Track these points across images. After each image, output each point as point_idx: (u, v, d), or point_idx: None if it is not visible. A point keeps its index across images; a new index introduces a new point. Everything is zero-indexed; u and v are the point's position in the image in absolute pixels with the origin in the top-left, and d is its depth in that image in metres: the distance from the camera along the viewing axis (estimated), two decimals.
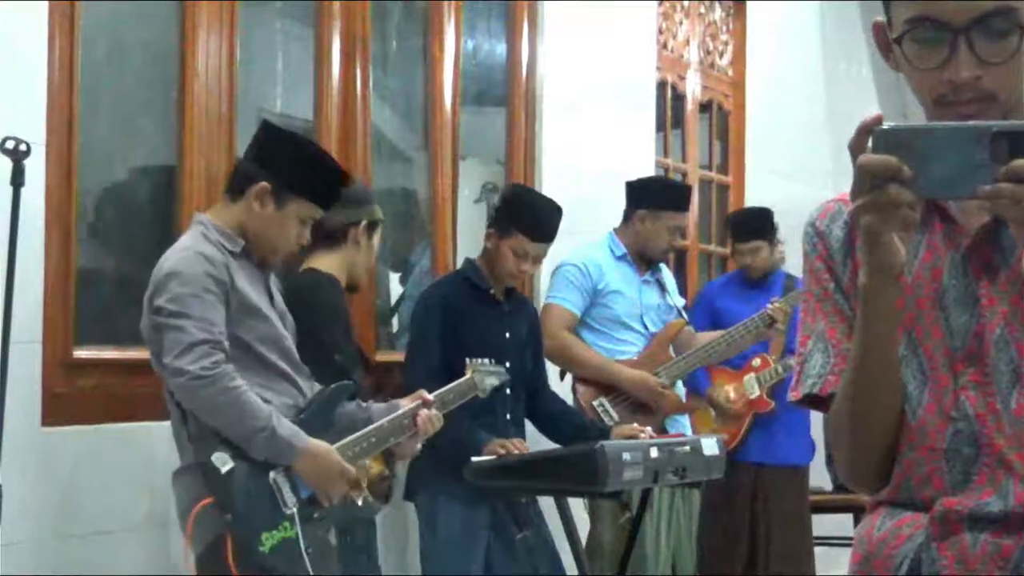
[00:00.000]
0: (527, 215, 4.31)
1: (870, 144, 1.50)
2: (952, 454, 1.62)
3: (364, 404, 3.48)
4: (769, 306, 5.08)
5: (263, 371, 3.21)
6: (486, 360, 3.85)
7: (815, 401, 1.72)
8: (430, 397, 3.53)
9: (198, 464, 3.10)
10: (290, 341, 3.32)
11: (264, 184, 3.24)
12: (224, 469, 3.05)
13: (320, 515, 3.22)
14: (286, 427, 3.13)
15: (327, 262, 3.92)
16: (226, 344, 3.10)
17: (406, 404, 3.50)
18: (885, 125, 1.49)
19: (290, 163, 3.28)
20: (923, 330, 1.64)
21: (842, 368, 1.66)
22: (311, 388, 3.36)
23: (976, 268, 1.62)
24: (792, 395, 1.74)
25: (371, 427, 3.39)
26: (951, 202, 1.63)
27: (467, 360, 3.80)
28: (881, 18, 1.68)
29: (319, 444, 3.19)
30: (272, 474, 3.13)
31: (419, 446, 3.58)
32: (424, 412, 3.48)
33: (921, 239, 1.65)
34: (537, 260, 4.42)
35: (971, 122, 1.52)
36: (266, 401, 3.14)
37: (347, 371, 3.64)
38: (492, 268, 4.34)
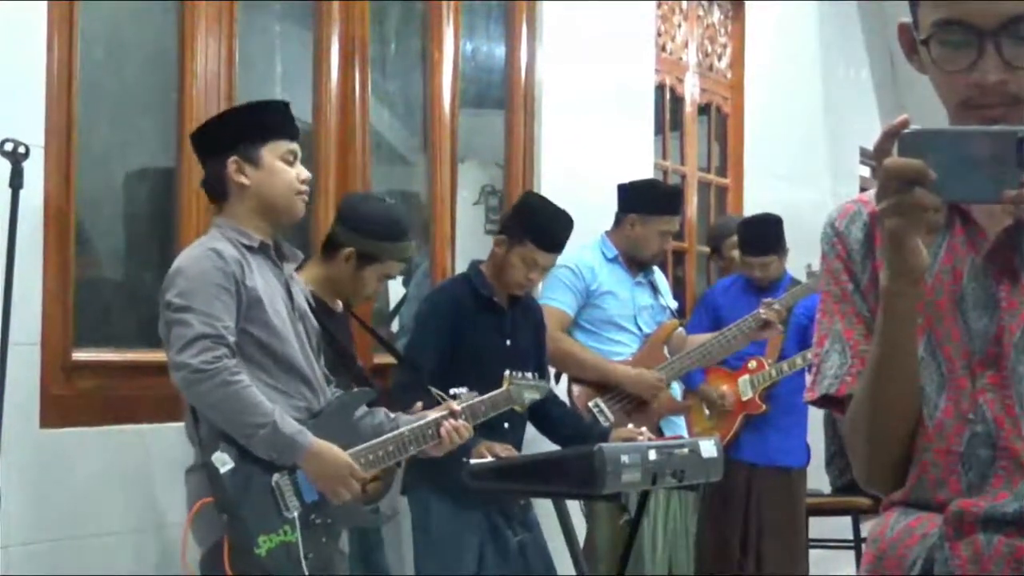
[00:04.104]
0: (539, 225, 4.27)
1: (895, 148, 1.49)
2: (969, 457, 1.61)
3: (392, 416, 3.44)
4: (762, 309, 5.08)
5: (275, 369, 3.19)
6: (528, 374, 3.80)
7: (831, 402, 1.72)
8: (457, 408, 3.48)
9: (203, 463, 3.09)
10: (306, 341, 3.30)
11: (232, 160, 3.24)
12: (223, 469, 3.04)
13: (322, 520, 3.19)
14: (290, 424, 3.10)
15: (312, 272, 3.90)
16: (231, 339, 3.08)
17: (433, 414, 3.45)
18: (911, 129, 1.49)
19: (234, 129, 3.28)
20: (942, 332, 1.64)
21: (859, 369, 1.66)
22: (328, 393, 3.34)
23: (996, 271, 1.62)
24: (808, 395, 1.74)
25: (390, 435, 3.34)
26: (974, 205, 1.63)
27: (506, 372, 3.75)
28: (906, 19, 1.68)
29: (326, 443, 3.16)
30: (275, 476, 3.11)
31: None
32: (449, 423, 3.42)
33: (942, 242, 1.65)
34: (545, 270, 4.39)
35: (997, 127, 1.52)
36: (273, 400, 3.12)
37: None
38: (498, 275, 4.30)
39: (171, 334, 3.09)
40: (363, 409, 3.40)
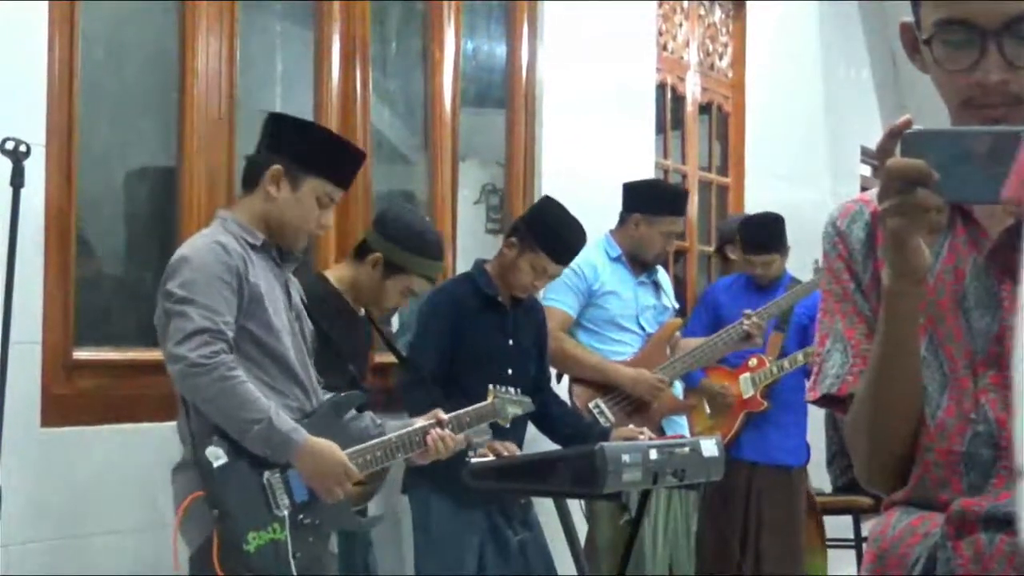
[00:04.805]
0: (555, 235, 4.27)
1: (898, 148, 1.49)
2: (971, 457, 1.61)
3: (379, 421, 3.43)
4: (745, 320, 5.08)
5: (271, 368, 3.18)
6: (511, 388, 3.80)
7: (833, 401, 1.72)
8: (445, 417, 3.47)
9: (194, 459, 3.08)
10: (301, 341, 3.30)
11: (277, 168, 3.22)
12: (216, 464, 3.03)
13: (311, 521, 3.17)
14: (285, 421, 3.09)
15: (339, 273, 3.94)
16: (230, 334, 3.07)
17: (420, 422, 3.44)
18: (914, 129, 1.49)
19: (303, 143, 3.27)
20: (944, 332, 1.64)
21: (861, 369, 1.66)
22: (320, 395, 3.34)
23: (998, 271, 1.62)
24: (810, 395, 1.74)
25: (378, 440, 3.33)
26: (975, 205, 1.63)
27: (490, 386, 3.74)
28: (908, 18, 1.68)
29: (321, 441, 3.15)
30: (267, 474, 3.10)
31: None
32: (436, 431, 3.41)
33: (944, 241, 1.64)
34: (552, 278, 4.40)
35: (999, 127, 1.52)
36: (267, 398, 3.11)
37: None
38: (504, 276, 4.29)
39: (170, 325, 3.08)
40: (351, 412, 3.39)
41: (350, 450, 3.24)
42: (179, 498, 3.14)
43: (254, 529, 3.06)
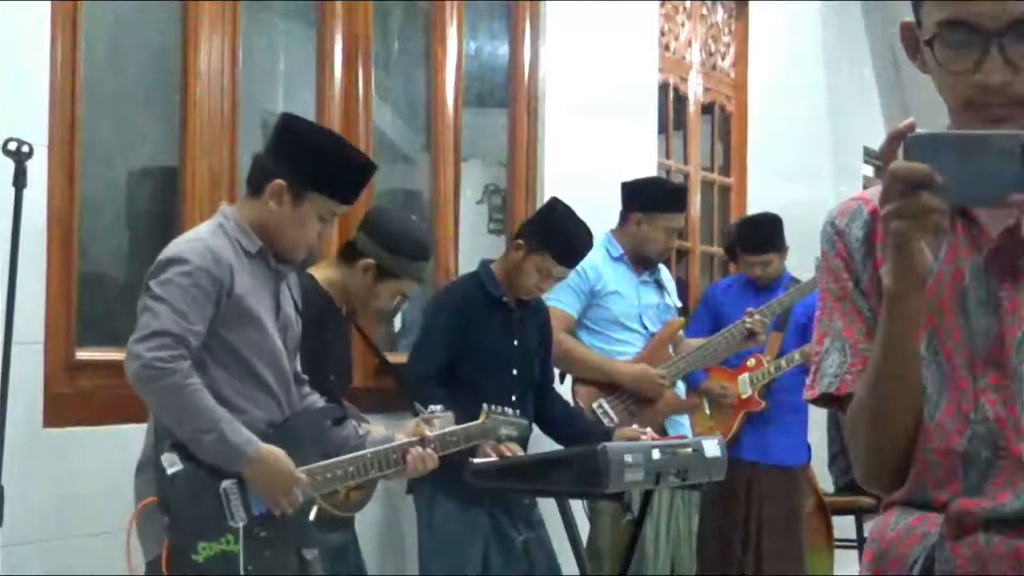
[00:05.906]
0: (562, 238, 4.27)
1: (901, 151, 1.49)
2: (969, 457, 1.61)
3: (362, 432, 3.36)
4: (747, 319, 5.08)
5: (247, 381, 3.13)
6: (508, 409, 3.74)
7: (831, 400, 1.72)
8: (430, 435, 3.39)
9: (154, 459, 3.03)
10: (284, 355, 3.22)
11: (279, 182, 3.14)
12: (171, 471, 2.98)
13: (268, 534, 3.08)
14: (237, 432, 3.02)
15: (327, 274, 3.88)
16: (194, 342, 3.01)
17: (402, 437, 3.36)
18: (917, 132, 1.49)
19: (308, 158, 3.17)
20: (944, 331, 1.63)
21: (859, 368, 1.66)
22: (296, 401, 3.28)
23: (999, 271, 1.62)
24: (808, 393, 1.74)
25: (351, 455, 3.26)
26: (979, 208, 1.63)
27: (484, 405, 3.67)
28: (909, 18, 1.67)
29: (270, 449, 3.06)
30: (224, 484, 3.03)
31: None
32: (416, 451, 3.33)
33: (944, 241, 1.64)
34: (558, 280, 4.40)
35: (1003, 130, 1.51)
36: (241, 411, 3.07)
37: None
38: (510, 277, 4.29)
39: (140, 319, 3.04)
40: (328, 423, 3.33)
41: (318, 464, 3.18)
42: (139, 498, 3.10)
43: (205, 539, 3.00)
